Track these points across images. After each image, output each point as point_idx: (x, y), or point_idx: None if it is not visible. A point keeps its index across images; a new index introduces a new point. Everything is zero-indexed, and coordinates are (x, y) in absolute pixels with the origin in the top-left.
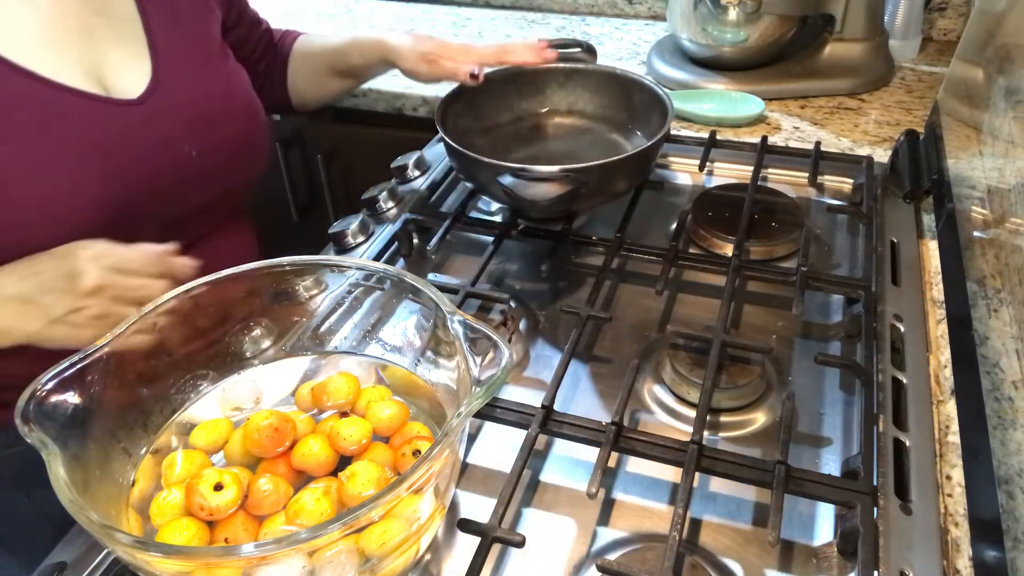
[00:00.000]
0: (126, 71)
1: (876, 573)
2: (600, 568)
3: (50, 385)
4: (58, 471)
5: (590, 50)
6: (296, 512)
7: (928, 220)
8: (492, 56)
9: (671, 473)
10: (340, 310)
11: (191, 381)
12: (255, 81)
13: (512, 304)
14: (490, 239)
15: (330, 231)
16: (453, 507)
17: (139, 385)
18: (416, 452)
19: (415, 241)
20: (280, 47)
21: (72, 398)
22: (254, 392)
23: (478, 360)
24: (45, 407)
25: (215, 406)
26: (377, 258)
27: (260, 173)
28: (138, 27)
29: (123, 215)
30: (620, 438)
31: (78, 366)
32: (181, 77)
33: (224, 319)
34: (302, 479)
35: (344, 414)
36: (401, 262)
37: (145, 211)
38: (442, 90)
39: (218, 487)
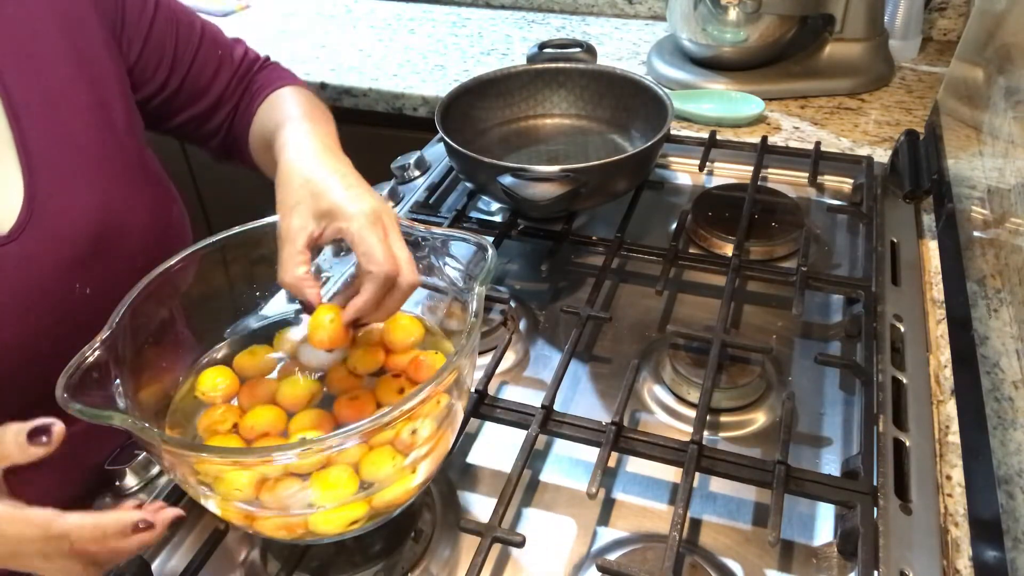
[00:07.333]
0: None
1: (876, 573)
2: (600, 568)
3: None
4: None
5: (590, 50)
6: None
7: (928, 220)
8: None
9: (671, 473)
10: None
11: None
12: (219, 111)
13: (512, 304)
14: (490, 239)
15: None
16: (453, 507)
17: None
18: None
19: None
20: (253, 85)
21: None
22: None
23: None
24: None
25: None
26: None
27: None
28: (3, 132)
29: None
30: (620, 438)
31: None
32: (66, 194)
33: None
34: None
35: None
36: None
37: (18, 369)
38: (442, 90)
39: None
